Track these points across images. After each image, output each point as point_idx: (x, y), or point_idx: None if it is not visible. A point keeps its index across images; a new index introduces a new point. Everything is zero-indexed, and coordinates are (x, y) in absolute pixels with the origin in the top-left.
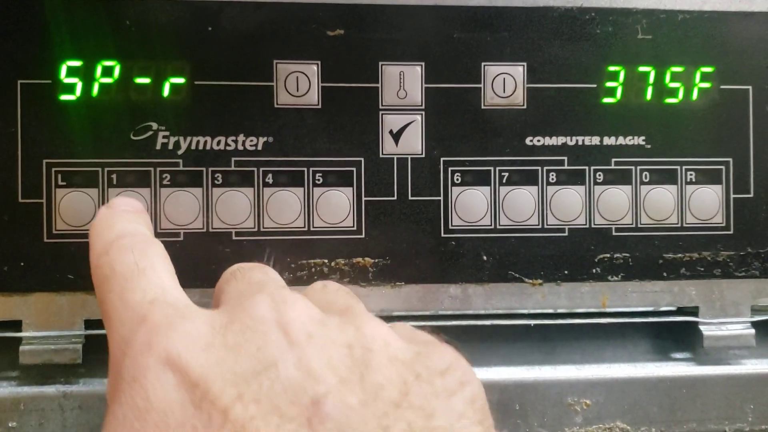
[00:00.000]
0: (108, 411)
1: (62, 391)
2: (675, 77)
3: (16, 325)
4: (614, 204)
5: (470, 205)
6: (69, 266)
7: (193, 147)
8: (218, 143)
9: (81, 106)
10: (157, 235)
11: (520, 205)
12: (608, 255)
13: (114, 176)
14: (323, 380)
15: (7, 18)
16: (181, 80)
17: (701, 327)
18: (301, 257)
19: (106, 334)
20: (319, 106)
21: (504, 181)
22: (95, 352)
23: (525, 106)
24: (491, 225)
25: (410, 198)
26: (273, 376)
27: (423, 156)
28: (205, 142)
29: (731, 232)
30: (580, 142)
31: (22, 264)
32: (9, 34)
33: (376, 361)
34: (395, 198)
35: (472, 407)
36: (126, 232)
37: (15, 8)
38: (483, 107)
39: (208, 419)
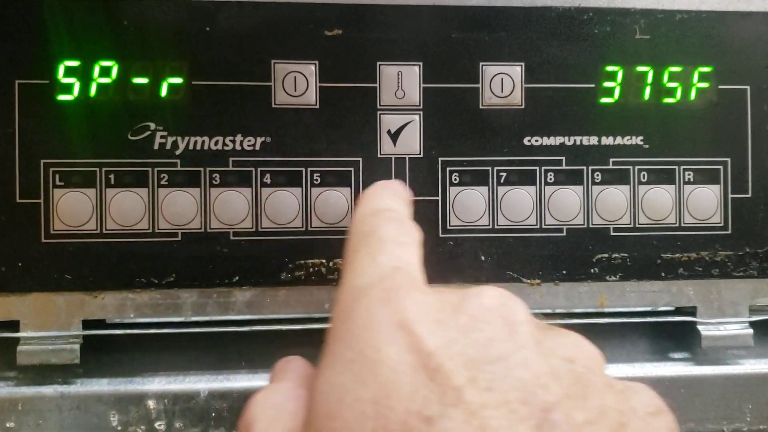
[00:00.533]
0: (330, 350)
1: (60, 392)
2: (673, 77)
3: (14, 326)
4: (612, 204)
5: (468, 205)
6: (67, 266)
7: (190, 147)
8: (216, 143)
9: (79, 106)
10: (155, 235)
11: (518, 205)
12: (606, 255)
13: (112, 176)
14: (551, 390)
15: (4, 18)
16: (178, 80)
17: (699, 327)
18: (299, 257)
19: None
20: (317, 106)
21: (502, 181)
22: (93, 353)
23: (523, 106)
24: (489, 225)
25: None
26: (504, 370)
27: (421, 156)
28: (203, 142)
29: (729, 232)
30: (578, 142)
31: (20, 264)
32: (7, 35)
33: (596, 383)
34: None
35: None
36: (396, 208)
37: (13, 8)
38: (481, 107)
39: (442, 394)
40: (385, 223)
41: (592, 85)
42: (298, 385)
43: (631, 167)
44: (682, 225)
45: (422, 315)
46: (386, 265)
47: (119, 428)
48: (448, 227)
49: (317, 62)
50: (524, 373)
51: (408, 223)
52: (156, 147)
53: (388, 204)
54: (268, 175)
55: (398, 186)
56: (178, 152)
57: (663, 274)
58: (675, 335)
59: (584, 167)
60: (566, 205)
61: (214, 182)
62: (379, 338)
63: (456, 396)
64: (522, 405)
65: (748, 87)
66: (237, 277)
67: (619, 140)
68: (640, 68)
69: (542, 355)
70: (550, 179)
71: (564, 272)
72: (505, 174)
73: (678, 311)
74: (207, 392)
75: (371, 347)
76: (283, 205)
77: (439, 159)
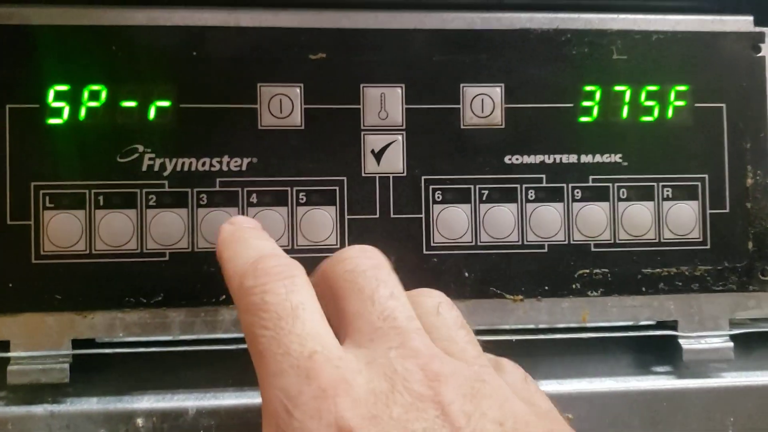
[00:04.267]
0: None
1: (50, 411)
2: (650, 96)
3: (5, 346)
4: (592, 220)
5: (451, 223)
6: (57, 287)
7: (178, 168)
8: (203, 164)
9: (68, 130)
10: (143, 255)
11: (500, 222)
12: (588, 270)
13: (101, 198)
14: None
15: None
16: (166, 103)
17: (680, 341)
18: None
19: (258, 375)
20: (302, 128)
21: (484, 198)
22: (83, 372)
23: (503, 126)
24: (472, 242)
25: (392, 216)
26: None
27: (404, 175)
28: (190, 163)
29: (708, 246)
30: (557, 160)
31: (10, 285)
32: None
33: None
34: (377, 216)
35: None
36: (267, 252)
37: (3, 34)
38: (462, 127)
39: None
40: (270, 286)
41: (571, 105)
42: None
43: (610, 184)
44: (662, 240)
45: (358, 415)
46: (299, 354)
47: None
48: (432, 244)
49: (302, 85)
50: None
51: (288, 268)
52: (144, 169)
53: (255, 250)
54: (254, 195)
55: (243, 220)
56: (165, 174)
57: (644, 289)
58: (657, 349)
59: (564, 185)
60: (547, 222)
61: (201, 203)
62: None
63: None
64: None
65: (724, 105)
66: (224, 296)
67: (598, 158)
68: (618, 87)
69: (477, 428)
70: (531, 197)
71: (546, 288)
72: (486, 192)
73: (659, 325)
74: (195, 410)
75: None
76: (269, 225)
77: (422, 177)
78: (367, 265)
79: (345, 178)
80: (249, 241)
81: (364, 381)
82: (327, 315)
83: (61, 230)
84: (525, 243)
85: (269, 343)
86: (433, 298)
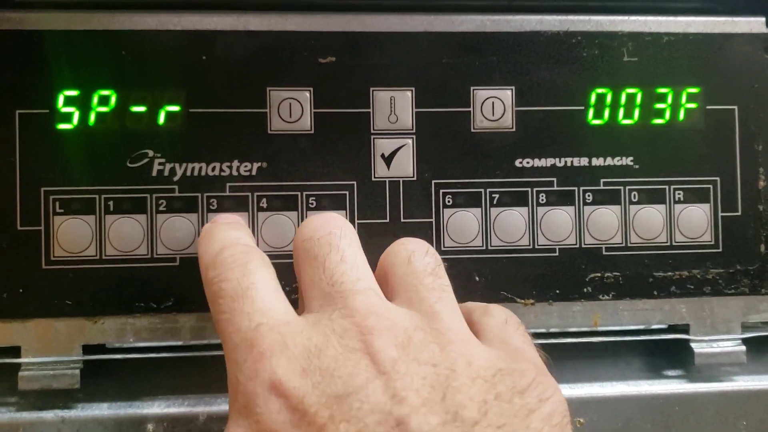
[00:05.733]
0: (229, 425)
1: (61, 417)
2: (661, 98)
3: (15, 351)
4: (604, 224)
5: (462, 227)
6: (67, 292)
7: (188, 173)
8: (213, 169)
9: (78, 135)
10: (153, 260)
11: (511, 225)
12: (599, 274)
13: (111, 203)
14: (407, 402)
15: (5, 49)
16: (176, 108)
17: (692, 344)
18: (295, 280)
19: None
20: (312, 132)
21: (495, 202)
22: (93, 378)
23: (514, 129)
24: (483, 246)
25: (402, 220)
26: (362, 398)
27: (415, 179)
28: (200, 168)
29: (720, 250)
30: (568, 164)
31: (21, 291)
32: (7, 65)
33: (459, 382)
34: (388, 220)
35: (549, 424)
36: (228, 243)
37: (13, 39)
38: (473, 130)
39: None
40: (225, 274)
41: (582, 107)
42: None
43: (621, 187)
44: (674, 244)
45: (289, 370)
46: (247, 328)
47: None
48: (443, 248)
49: (312, 89)
50: (381, 396)
51: (243, 254)
52: (154, 174)
53: (220, 242)
54: (264, 200)
55: (222, 217)
56: (175, 178)
57: (655, 293)
58: (668, 353)
59: (575, 188)
60: (558, 225)
61: (211, 207)
62: (257, 410)
63: None
64: (377, 425)
65: (735, 107)
66: None
67: (609, 161)
68: (629, 90)
69: (403, 372)
70: (542, 200)
71: (557, 292)
72: (497, 195)
73: (671, 329)
74: (206, 415)
75: (253, 420)
76: (279, 229)
77: (433, 182)
78: (323, 232)
79: (355, 183)
80: (216, 235)
81: (302, 340)
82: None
83: (72, 236)
84: (536, 247)
85: (226, 325)
86: (407, 247)
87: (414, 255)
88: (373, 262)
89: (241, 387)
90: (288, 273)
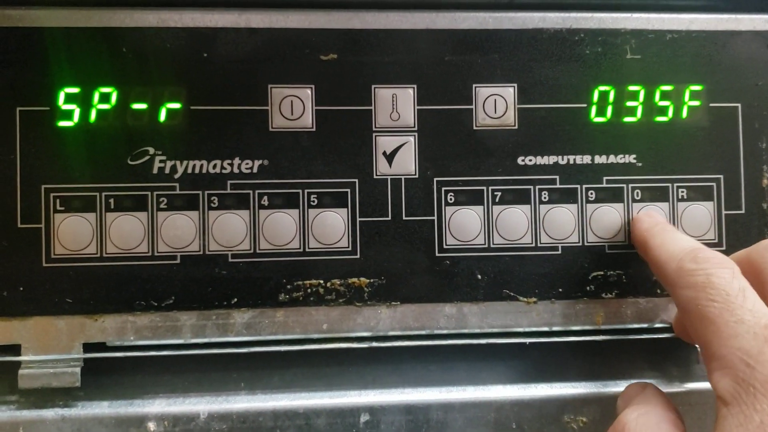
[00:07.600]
0: (733, 411)
1: (61, 415)
2: (664, 96)
3: (16, 349)
4: (607, 222)
5: (464, 225)
6: (68, 290)
7: (189, 171)
8: (214, 167)
9: (79, 132)
10: (154, 258)
11: (514, 223)
12: (602, 272)
13: (112, 200)
14: None
15: (6, 47)
16: (177, 105)
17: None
18: (296, 278)
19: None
20: (314, 129)
21: (497, 200)
22: (94, 376)
23: (516, 127)
24: (485, 244)
25: (404, 218)
26: None
27: (416, 176)
28: (201, 165)
29: (724, 248)
30: (571, 161)
31: (21, 288)
32: (8, 63)
33: None
34: (390, 218)
35: None
36: (697, 244)
37: (14, 37)
38: (475, 128)
39: None
40: (715, 270)
41: (585, 105)
42: (666, 409)
43: (624, 185)
44: None
45: None
46: (755, 323)
47: None
48: (445, 246)
49: (313, 86)
50: None
51: (723, 257)
52: (155, 171)
53: (688, 240)
54: (265, 198)
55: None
56: (176, 176)
57: (658, 291)
58: (671, 351)
59: (578, 186)
60: (561, 223)
61: (212, 205)
62: None
63: None
64: None
65: (739, 104)
66: (235, 299)
67: (612, 159)
68: (632, 87)
69: None
70: (545, 198)
71: (560, 290)
72: (499, 193)
73: None
74: (206, 414)
75: None
76: (280, 227)
77: (435, 179)
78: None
79: (357, 180)
80: (675, 233)
81: None
82: None
83: (72, 233)
84: (538, 245)
85: (720, 313)
86: None
87: None
88: (376, 264)
89: (758, 374)
90: (291, 270)
